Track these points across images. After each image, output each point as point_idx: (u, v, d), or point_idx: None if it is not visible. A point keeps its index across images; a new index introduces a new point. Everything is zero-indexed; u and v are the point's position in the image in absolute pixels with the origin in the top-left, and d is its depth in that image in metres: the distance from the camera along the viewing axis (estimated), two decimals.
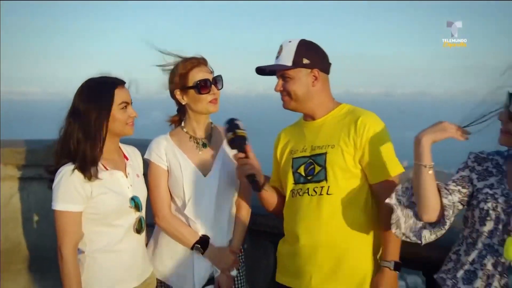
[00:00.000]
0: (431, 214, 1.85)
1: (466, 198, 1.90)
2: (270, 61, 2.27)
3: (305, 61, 2.18)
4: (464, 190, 1.90)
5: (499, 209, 1.78)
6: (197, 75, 2.35)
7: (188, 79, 2.36)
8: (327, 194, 2.15)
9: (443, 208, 1.84)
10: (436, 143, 1.83)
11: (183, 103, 2.41)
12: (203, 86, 2.34)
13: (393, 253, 2.11)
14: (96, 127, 2.13)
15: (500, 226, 1.77)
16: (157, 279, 2.43)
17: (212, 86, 2.37)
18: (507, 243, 1.72)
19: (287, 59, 2.19)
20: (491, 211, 1.79)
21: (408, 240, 1.94)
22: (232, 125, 2.26)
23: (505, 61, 1.79)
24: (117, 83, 2.21)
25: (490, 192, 1.82)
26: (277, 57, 2.24)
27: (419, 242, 1.90)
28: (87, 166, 2.10)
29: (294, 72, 2.20)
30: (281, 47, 2.23)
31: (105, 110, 2.15)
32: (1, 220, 2.91)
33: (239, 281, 2.48)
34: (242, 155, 2.20)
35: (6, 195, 2.93)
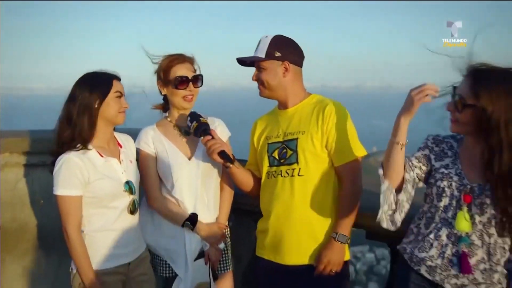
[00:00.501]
0: (395, 179, 1.83)
1: (424, 175, 1.92)
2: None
3: (277, 53, 2.19)
4: (424, 168, 1.91)
5: (453, 186, 1.80)
6: (178, 71, 2.33)
7: (169, 73, 2.34)
8: (298, 175, 2.16)
9: (403, 180, 1.84)
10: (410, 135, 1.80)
11: (163, 94, 2.41)
12: (180, 82, 2.32)
13: (342, 227, 2.12)
14: (91, 106, 2.11)
15: (454, 202, 1.79)
16: (151, 254, 2.42)
17: (190, 83, 2.34)
18: (458, 217, 1.76)
19: (262, 52, 2.20)
20: (446, 189, 1.81)
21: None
22: (194, 116, 2.27)
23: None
24: (115, 76, 2.21)
25: (446, 171, 1.84)
26: (255, 50, 2.24)
27: (393, 228, 1.87)
28: (86, 141, 2.11)
29: (267, 63, 2.20)
30: (259, 41, 2.23)
31: (102, 94, 2.13)
32: (9, 204, 2.89)
33: (226, 254, 2.49)
34: (209, 137, 2.20)
35: (13, 181, 2.91)
